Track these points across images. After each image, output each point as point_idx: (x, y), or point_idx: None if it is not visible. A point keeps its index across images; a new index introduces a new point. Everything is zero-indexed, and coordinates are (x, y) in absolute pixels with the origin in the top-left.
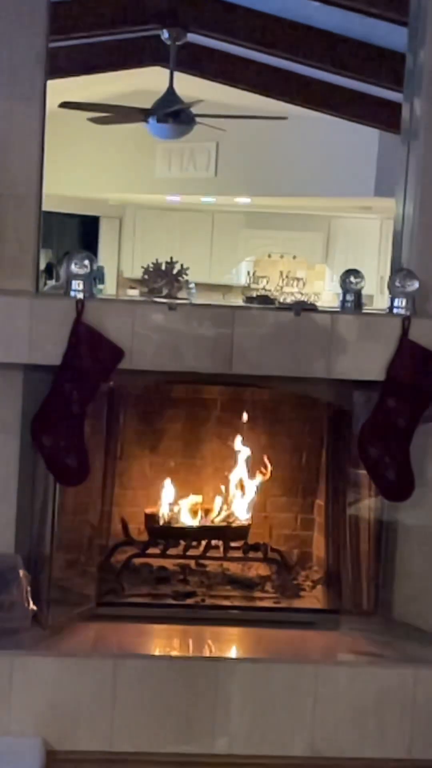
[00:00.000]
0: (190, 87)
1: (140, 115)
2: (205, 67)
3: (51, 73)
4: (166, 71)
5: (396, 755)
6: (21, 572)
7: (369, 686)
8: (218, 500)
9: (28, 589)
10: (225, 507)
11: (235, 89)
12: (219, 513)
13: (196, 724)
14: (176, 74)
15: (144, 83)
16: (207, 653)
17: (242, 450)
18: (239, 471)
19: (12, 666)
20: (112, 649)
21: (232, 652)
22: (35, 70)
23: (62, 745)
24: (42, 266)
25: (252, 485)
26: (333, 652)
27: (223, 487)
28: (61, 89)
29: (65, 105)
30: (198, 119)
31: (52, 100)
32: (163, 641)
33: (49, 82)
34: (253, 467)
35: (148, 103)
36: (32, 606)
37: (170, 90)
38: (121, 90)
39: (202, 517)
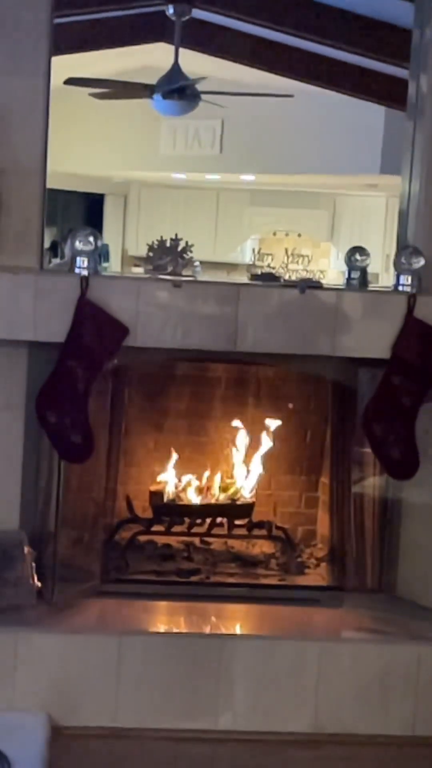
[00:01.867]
0: (195, 63)
1: (145, 91)
2: (211, 43)
3: (56, 49)
4: (171, 48)
5: (399, 732)
6: (26, 549)
7: (373, 663)
8: (222, 478)
9: (33, 566)
10: (229, 485)
11: (240, 66)
12: (223, 491)
13: (200, 700)
14: (181, 51)
15: (149, 60)
16: (211, 630)
17: (246, 428)
18: (243, 448)
19: (17, 642)
20: (116, 625)
21: (237, 629)
22: (40, 45)
23: (67, 721)
24: (47, 244)
25: (256, 463)
26: (337, 629)
27: (227, 465)
28: (65, 66)
29: (71, 81)
30: (203, 96)
31: (57, 77)
32: (168, 618)
33: (54, 59)
34: (257, 445)
35: (153, 80)
36: (37, 583)
37: (175, 66)
38: (125, 67)
39: (206, 494)
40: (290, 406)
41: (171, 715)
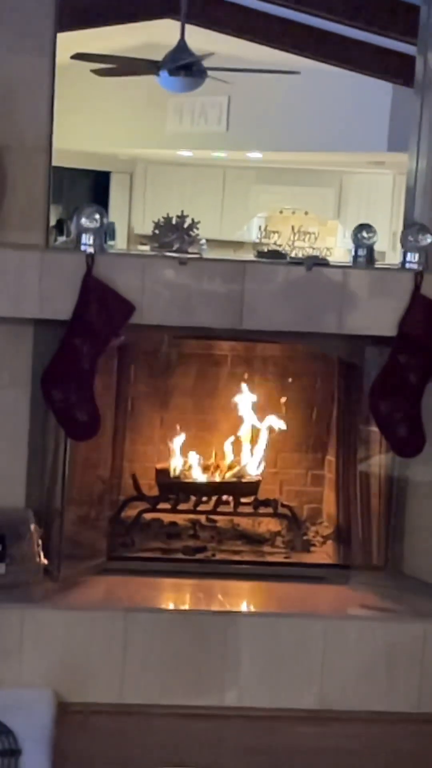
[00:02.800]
0: (201, 40)
1: (151, 67)
2: (218, 19)
3: (61, 26)
4: (178, 24)
5: (405, 709)
6: (32, 526)
7: (378, 640)
8: (229, 456)
9: (40, 543)
10: (236, 462)
11: (247, 42)
12: (229, 468)
13: (205, 677)
14: (187, 27)
15: (155, 36)
16: (217, 607)
17: (252, 405)
18: (250, 426)
19: (23, 619)
20: (122, 602)
21: (243, 606)
22: (45, 21)
23: (73, 697)
24: (52, 222)
25: (262, 441)
26: (343, 607)
27: (233, 443)
28: (71, 42)
29: (78, 57)
30: (209, 72)
31: (63, 54)
32: (174, 595)
33: (60, 35)
34: (263, 422)
35: (159, 57)
36: (43, 560)
37: (181, 42)
38: (131, 43)
39: (212, 472)
40: (289, 380)
41: (177, 691)
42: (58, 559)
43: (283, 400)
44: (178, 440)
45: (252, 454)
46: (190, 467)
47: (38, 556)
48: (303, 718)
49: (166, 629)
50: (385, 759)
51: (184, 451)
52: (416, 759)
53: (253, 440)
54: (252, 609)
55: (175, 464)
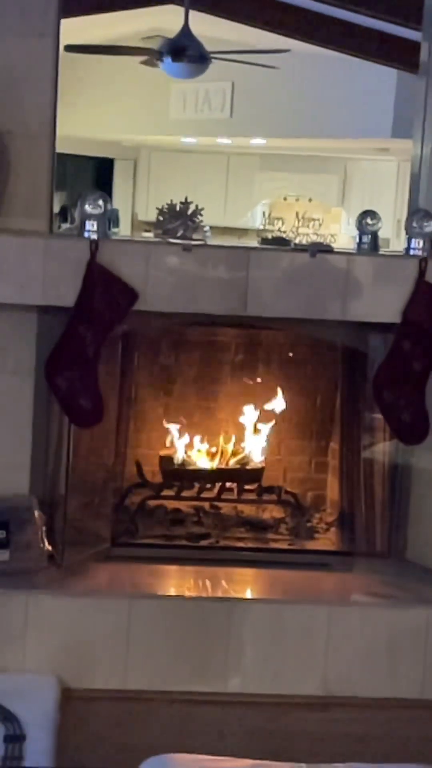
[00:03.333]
0: (205, 26)
1: (151, 55)
2: (221, 5)
3: (65, 12)
4: (181, 10)
5: (408, 695)
6: (36, 513)
7: (382, 627)
8: (233, 443)
9: (44, 529)
10: (239, 449)
11: (250, 28)
12: (233, 455)
13: (209, 663)
14: (192, 13)
15: (159, 22)
16: (221, 594)
17: (257, 392)
18: (253, 413)
19: (28, 605)
20: (126, 589)
21: (246, 593)
22: (49, 7)
23: (77, 683)
24: (56, 209)
25: (266, 428)
26: (346, 593)
27: (237, 430)
28: (75, 28)
29: (70, 48)
30: (216, 56)
31: (66, 40)
32: (177, 582)
33: (64, 21)
34: (267, 410)
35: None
36: (47, 546)
37: (185, 28)
38: (135, 29)
39: (216, 459)
40: (290, 354)
41: (180, 677)
42: (61, 545)
43: (287, 388)
44: (182, 427)
45: (256, 441)
46: (194, 454)
47: (42, 543)
48: (306, 704)
49: (169, 616)
50: (389, 745)
51: (188, 438)
52: (419, 745)
53: (257, 427)
54: (256, 596)
55: (179, 451)
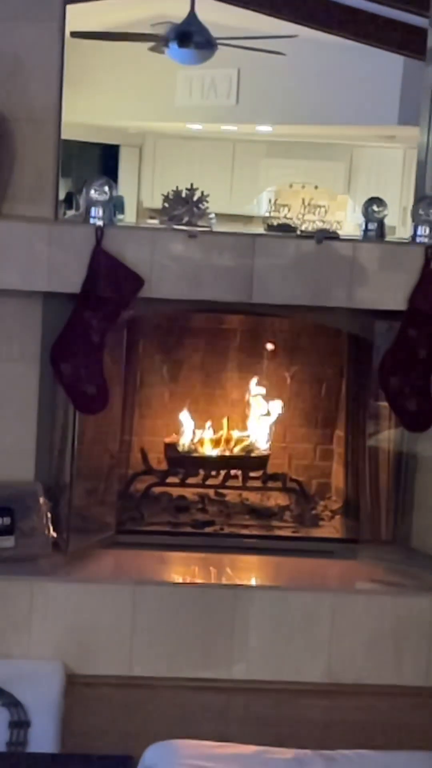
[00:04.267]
0: (211, 12)
1: (158, 41)
2: None
3: None
4: None
5: (413, 683)
6: (41, 500)
7: (386, 614)
8: (237, 430)
9: (49, 516)
10: (244, 437)
11: (256, 14)
12: (238, 443)
13: (214, 650)
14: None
15: (165, 8)
16: (225, 581)
17: (261, 380)
18: (258, 401)
19: (33, 591)
20: (131, 575)
21: (251, 580)
22: None
23: (82, 669)
24: (61, 196)
25: (271, 415)
26: (351, 581)
27: (242, 417)
28: (81, 14)
29: (76, 35)
30: (223, 41)
31: (72, 26)
32: (182, 568)
33: (70, 7)
34: (272, 397)
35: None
36: (52, 533)
37: (191, 14)
38: (141, 15)
39: (221, 446)
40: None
41: (185, 664)
42: (66, 532)
43: (293, 376)
44: (187, 414)
45: (261, 428)
46: (199, 441)
47: (47, 530)
48: (310, 691)
49: (174, 602)
50: (393, 732)
51: (193, 425)
52: (423, 732)
53: (262, 415)
54: (260, 583)
55: (184, 438)
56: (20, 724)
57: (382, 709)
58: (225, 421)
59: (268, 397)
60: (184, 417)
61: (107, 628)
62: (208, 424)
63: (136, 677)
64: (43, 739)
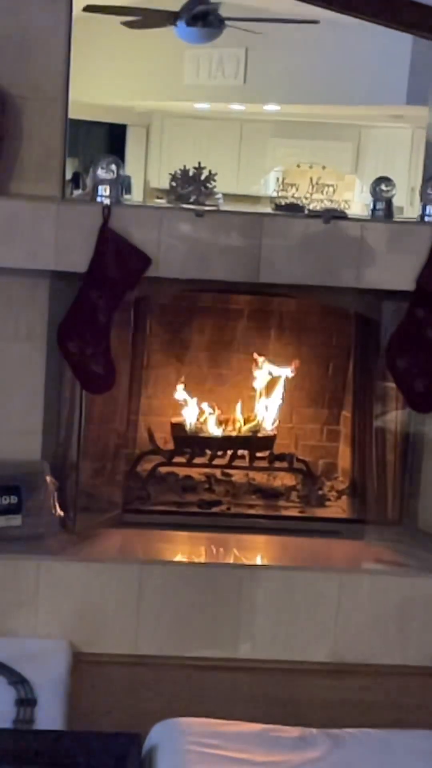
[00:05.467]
0: None
1: (169, 18)
2: None
3: None
4: None
5: (418, 663)
6: (48, 479)
7: (392, 594)
8: (244, 410)
9: (56, 495)
10: (251, 417)
11: None
12: (245, 423)
13: (220, 629)
14: None
15: None
16: (232, 560)
17: (269, 360)
18: (265, 380)
19: (39, 570)
20: (138, 554)
21: (257, 560)
22: None
23: (88, 648)
24: (68, 176)
25: (278, 395)
26: (357, 561)
27: (249, 397)
28: None
29: (89, 9)
30: (228, 23)
31: (79, 3)
32: (189, 548)
33: None
34: (279, 377)
35: (176, 6)
36: (59, 512)
37: None
38: None
39: (228, 426)
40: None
41: (191, 643)
42: (73, 511)
43: (299, 356)
44: (194, 394)
45: (268, 409)
46: (205, 421)
47: (54, 509)
48: (316, 670)
49: (180, 582)
50: (397, 712)
51: (200, 405)
52: (428, 711)
53: (269, 395)
54: (267, 562)
55: (191, 418)
56: (27, 702)
57: (387, 688)
58: (234, 402)
59: (274, 377)
60: (191, 397)
61: (114, 607)
62: (214, 405)
63: (143, 656)
64: (49, 717)
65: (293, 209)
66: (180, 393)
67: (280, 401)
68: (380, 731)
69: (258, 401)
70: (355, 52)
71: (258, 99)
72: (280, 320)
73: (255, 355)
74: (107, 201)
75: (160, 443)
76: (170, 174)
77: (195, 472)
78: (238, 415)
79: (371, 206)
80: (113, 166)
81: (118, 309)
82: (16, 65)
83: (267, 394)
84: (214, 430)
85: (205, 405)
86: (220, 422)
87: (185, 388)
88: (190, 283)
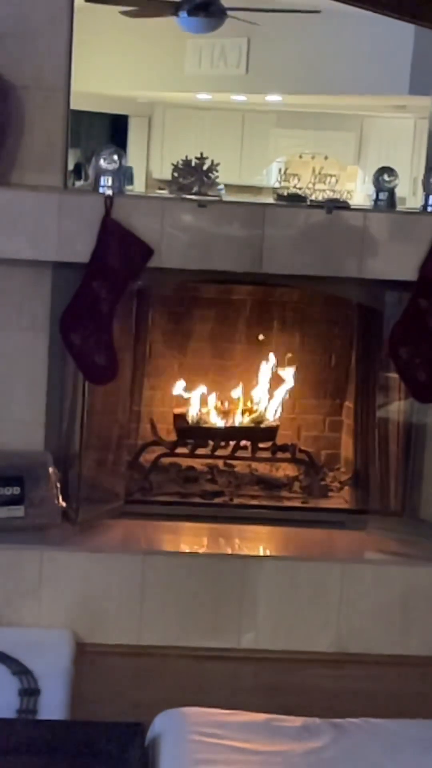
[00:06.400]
0: None
1: (169, 8)
2: None
3: None
4: None
5: (420, 652)
6: (51, 470)
7: (395, 584)
8: (247, 401)
9: (58, 486)
10: (254, 407)
11: None
12: (248, 414)
13: (222, 619)
14: None
15: None
16: (234, 551)
17: (271, 350)
18: (268, 372)
19: (42, 560)
20: (140, 545)
21: (260, 550)
22: None
23: (91, 638)
24: (70, 166)
25: (281, 386)
26: (360, 551)
27: (252, 388)
28: None
29: None
30: (229, 12)
31: None
32: (191, 538)
33: None
34: (281, 368)
35: None
36: (62, 503)
37: None
38: None
39: (230, 417)
40: (260, 337)
41: (194, 633)
42: (76, 502)
43: (302, 346)
44: (196, 385)
45: (270, 400)
46: (208, 412)
47: (56, 499)
48: (319, 660)
49: (183, 572)
50: (400, 701)
51: (202, 395)
52: (431, 701)
53: (271, 385)
54: (269, 553)
55: (193, 409)
56: (30, 692)
57: (390, 678)
58: (236, 392)
59: (277, 368)
60: (193, 387)
61: (116, 598)
62: (216, 396)
63: (146, 646)
64: (52, 706)
65: (296, 199)
66: (182, 384)
67: (283, 392)
68: (383, 721)
69: (260, 392)
70: (357, 43)
71: (260, 89)
72: (282, 311)
73: (259, 338)
74: (109, 191)
75: (162, 434)
76: (172, 164)
77: (197, 463)
78: (241, 405)
79: (374, 196)
80: (115, 157)
81: (121, 299)
82: (18, 55)
83: (269, 384)
84: (217, 421)
85: (207, 396)
86: (222, 413)
87: (187, 379)
88: (192, 274)
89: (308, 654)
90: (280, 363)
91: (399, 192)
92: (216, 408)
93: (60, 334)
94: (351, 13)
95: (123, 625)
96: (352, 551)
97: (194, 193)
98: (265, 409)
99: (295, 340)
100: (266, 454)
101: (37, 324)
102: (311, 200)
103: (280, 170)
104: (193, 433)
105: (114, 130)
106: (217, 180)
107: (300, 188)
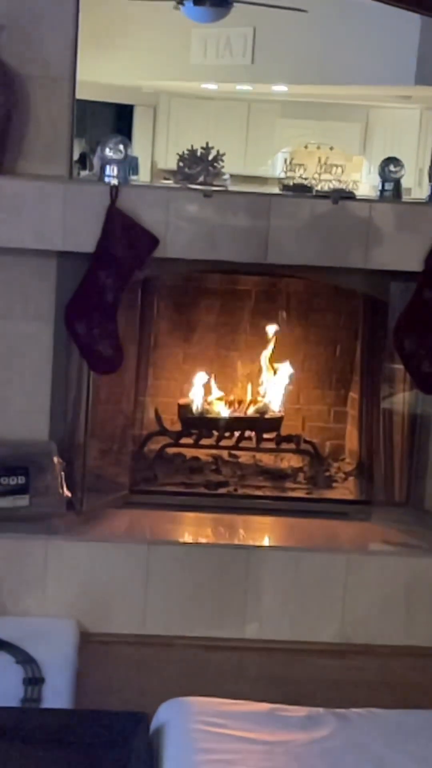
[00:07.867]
0: None
1: None
2: None
3: None
4: None
5: (424, 643)
6: (55, 459)
7: (399, 575)
8: (252, 391)
9: (63, 475)
10: (258, 398)
11: None
12: (252, 404)
13: (227, 609)
14: None
15: None
16: (239, 541)
17: (276, 341)
18: (273, 362)
19: (47, 550)
20: (145, 535)
21: (264, 541)
22: None
23: (96, 627)
24: (75, 156)
25: (285, 377)
26: (364, 542)
27: (257, 378)
28: None
29: None
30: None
31: None
32: (196, 529)
33: None
34: (286, 358)
35: None
36: (67, 492)
37: None
38: None
39: (235, 408)
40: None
41: (198, 623)
42: (81, 491)
43: (307, 337)
44: (201, 375)
45: (275, 390)
46: (212, 403)
47: (61, 489)
48: (323, 651)
49: (188, 562)
50: (404, 691)
51: (207, 386)
52: None
53: (276, 376)
54: (274, 543)
55: (198, 399)
56: (35, 681)
57: (393, 668)
58: (241, 383)
59: (282, 359)
60: (198, 378)
61: (121, 587)
62: (221, 386)
63: (150, 636)
64: (57, 695)
65: (301, 190)
66: (187, 374)
67: (288, 383)
68: (387, 711)
69: (265, 382)
70: (363, 33)
71: (266, 79)
72: (287, 301)
73: (265, 328)
74: (115, 181)
75: (167, 424)
76: (178, 154)
77: (202, 453)
78: (246, 396)
79: (379, 187)
80: (121, 146)
81: (126, 289)
82: (23, 45)
83: (274, 375)
84: (222, 412)
85: (212, 386)
86: (227, 403)
87: (192, 370)
88: (197, 264)
89: (312, 644)
90: (285, 354)
91: (405, 182)
92: (221, 398)
93: (65, 324)
94: (356, 3)
95: (127, 615)
96: (357, 542)
97: (200, 183)
98: (270, 399)
99: (300, 331)
100: (271, 445)
101: (42, 314)
102: (317, 190)
103: (285, 160)
104: (198, 424)
105: (119, 119)
106: (223, 170)
107: (306, 178)
